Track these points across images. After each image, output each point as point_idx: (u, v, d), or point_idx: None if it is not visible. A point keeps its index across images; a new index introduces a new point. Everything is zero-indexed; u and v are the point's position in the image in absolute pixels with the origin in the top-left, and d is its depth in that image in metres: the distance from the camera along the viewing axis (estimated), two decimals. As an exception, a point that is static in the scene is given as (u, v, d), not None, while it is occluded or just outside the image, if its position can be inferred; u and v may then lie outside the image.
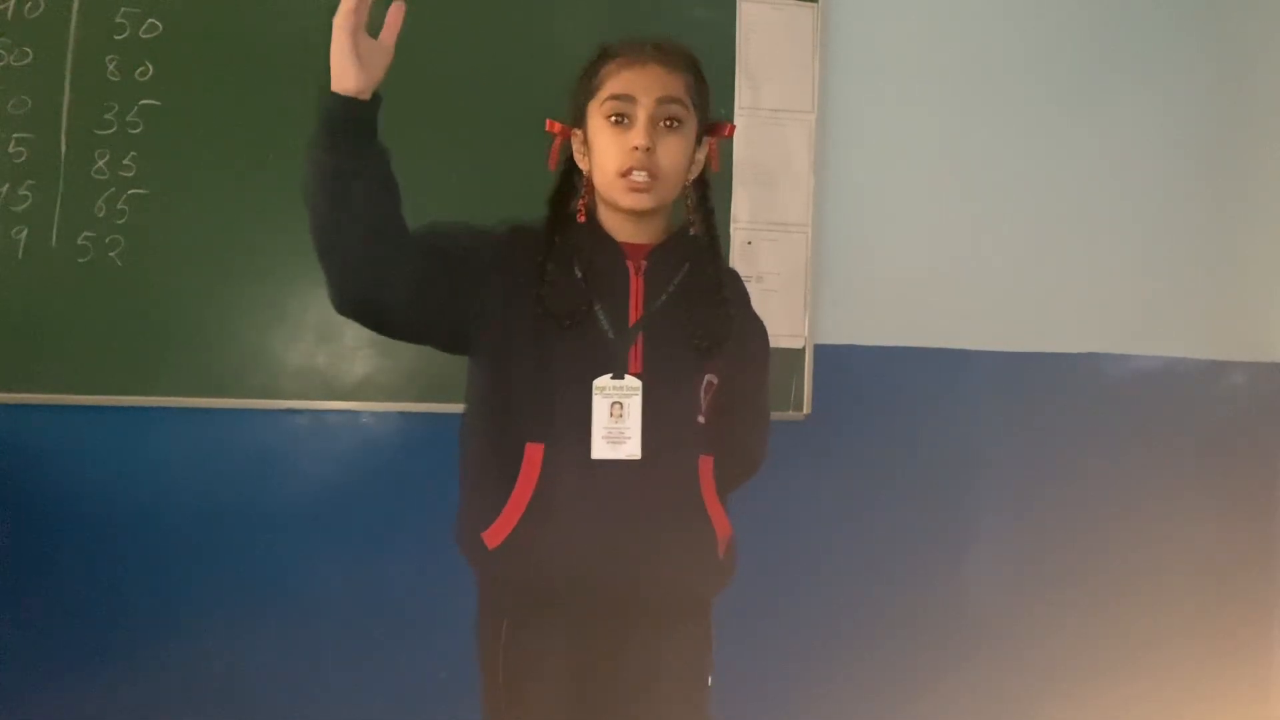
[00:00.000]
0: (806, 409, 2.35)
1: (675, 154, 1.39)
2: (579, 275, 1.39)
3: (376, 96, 1.30)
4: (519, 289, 1.38)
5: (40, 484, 2.07)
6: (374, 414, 2.20)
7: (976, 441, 2.52)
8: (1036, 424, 2.55)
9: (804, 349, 2.35)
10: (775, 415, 2.27)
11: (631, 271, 1.42)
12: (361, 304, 1.36)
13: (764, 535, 2.28)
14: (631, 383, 1.37)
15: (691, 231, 1.47)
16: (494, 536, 1.37)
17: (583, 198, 1.43)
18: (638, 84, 1.38)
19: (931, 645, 2.49)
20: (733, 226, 2.32)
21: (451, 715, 1.57)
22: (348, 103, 1.28)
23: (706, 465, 1.41)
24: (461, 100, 2.19)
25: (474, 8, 2.20)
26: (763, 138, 2.33)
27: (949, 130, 2.48)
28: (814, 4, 2.36)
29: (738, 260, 2.31)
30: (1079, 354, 2.57)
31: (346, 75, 1.27)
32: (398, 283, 1.34)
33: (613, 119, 1.38)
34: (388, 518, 2.18)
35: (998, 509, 2.54)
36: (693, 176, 1.45)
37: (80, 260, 2.04)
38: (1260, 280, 2.73)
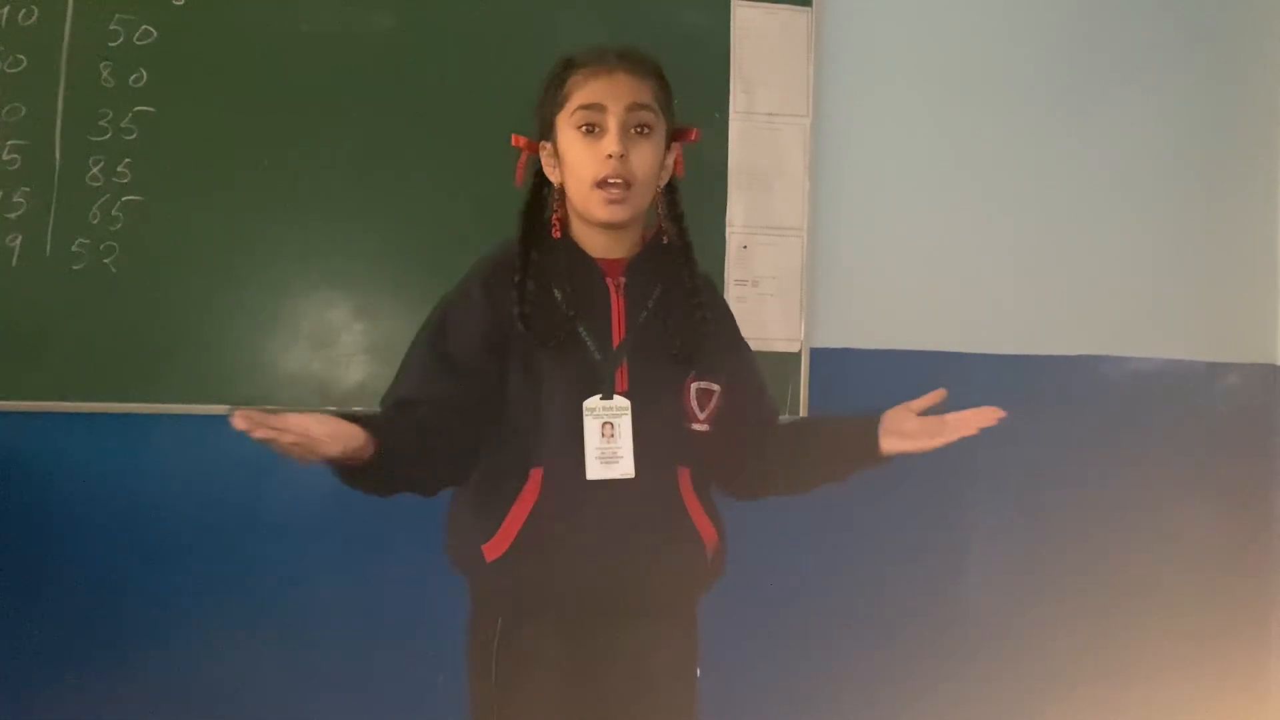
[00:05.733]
0: (802, 413, 2.35)
1: (648, 160, 1.39)
2: (559, 297, 1.39)
3: (378, 449, 1.28)
4: (505, 318, 1.38)
5: (36, 491, 2.07)
6: (370, 419, 2.20)
7: (972, 444, 2.49)
8: (1033, 427, 2.53)
9: (800, 353, 2.35)
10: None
11: (611, 290, 1.42)
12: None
13: (761, 539, 2.28)
14: (620, 403, 1.38)
15: (665, 240, 1.46)
16: (493, 550, 1.38)
17: (556, 212, 1.43)
18: (606, 92, 1.38)
19: (928, 648, 2.48)
20: (728, 230, 2.32)
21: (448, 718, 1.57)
22: (341, 470, 1.30)
23: (685, 475, 1.42)
24: (456, 109, 2.19)
25: (468, 16, 2.20)
26: (758, 142, 2.33)
27: (944, 133, 2.49)
28: (808, 8, 2.36)
29: (733, 265, 2.31)
30: (1075, 356, 2.57)
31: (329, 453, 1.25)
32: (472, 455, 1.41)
33: (583, 129, 1.38)
34: (384, 523, 2.17)
35: (994, 512, 2.54)
36: (663, 183, 1.46)
37: (75, 267, 2.04)
38: (1256, 283, 2.73)
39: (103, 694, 2.07)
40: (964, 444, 2.45)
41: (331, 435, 1.22)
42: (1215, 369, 2.69)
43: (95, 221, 2.04)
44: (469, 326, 1.41)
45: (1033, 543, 2.56)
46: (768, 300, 2.32)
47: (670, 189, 1.48)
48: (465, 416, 1.38)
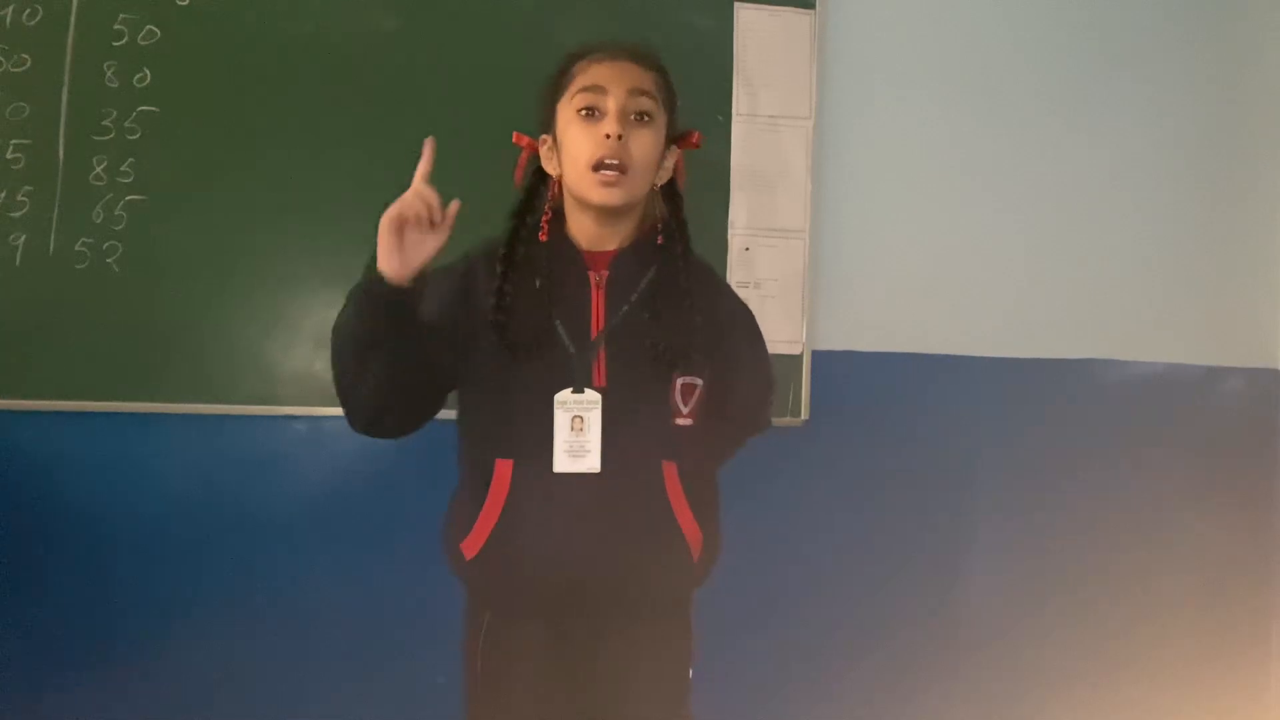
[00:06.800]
0: (804, 415, 2.36)
1: (646, 147, 1.40)
2: (538, 288, 1.40)
3: (419, 282, 1.35)
4: (481, 313, 1.40)
5: (38, 490, 2.07)
6: (372, 420, 2.20)
7: (973, 447, 2.52)
8: (1033, 430, 2.55)
9: (801, 355, 2.36)
10: (773, 421, 2.28)
11: (592, 284, 1.42)
12: (377, 433, 1.47)
13: (761, 540, 2.29)
14: (591, 396, 1.39)
15: (659, 241, 1.46)
16: (470, 547, 1.40)
17: (547, 213, 1.44)
18: (608, 76, 1.39)
19: (928, 650, 2.49)
20: (730, 232, 2.32)
21: (447, 718, 1.57)
22: (385, 285, 1.33)
23: (671, 470, 1.42)
24: (457, 108, 2.18)
25: (471, 18, 2.20)
26: (760, 144, 2.33)
27: (946, 136, 2.49)
28: (811, 10, 2.36)
29: (735, 267, 2.32)
30: (1076, 360, 2.57)
31: (388, 262, 1.32)
32: (408, 411, 1.44)
33: (583, 112, 1.39)
34: (385, 523, 2.18)
35: (994, 515, 2.54)
36: (662, 181, 1.46)
37: (78, 266, 2.04)
38: (1257, 286, 2.73)
39: (102, 693, 2.07)
40: (965, 446, 2.49)
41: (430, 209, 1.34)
42: (1216, 373, 2.69)
43: (98, 221, 2.05)
44: (441, 301, 1.43)
45: (1033, 545, 2.56)
46: (769, 302, 2.33)
47: (672, 192, 1.48)
48: (422, 362, 1.41)
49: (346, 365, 1.39)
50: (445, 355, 1.42)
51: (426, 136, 2.15)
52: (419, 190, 1.34)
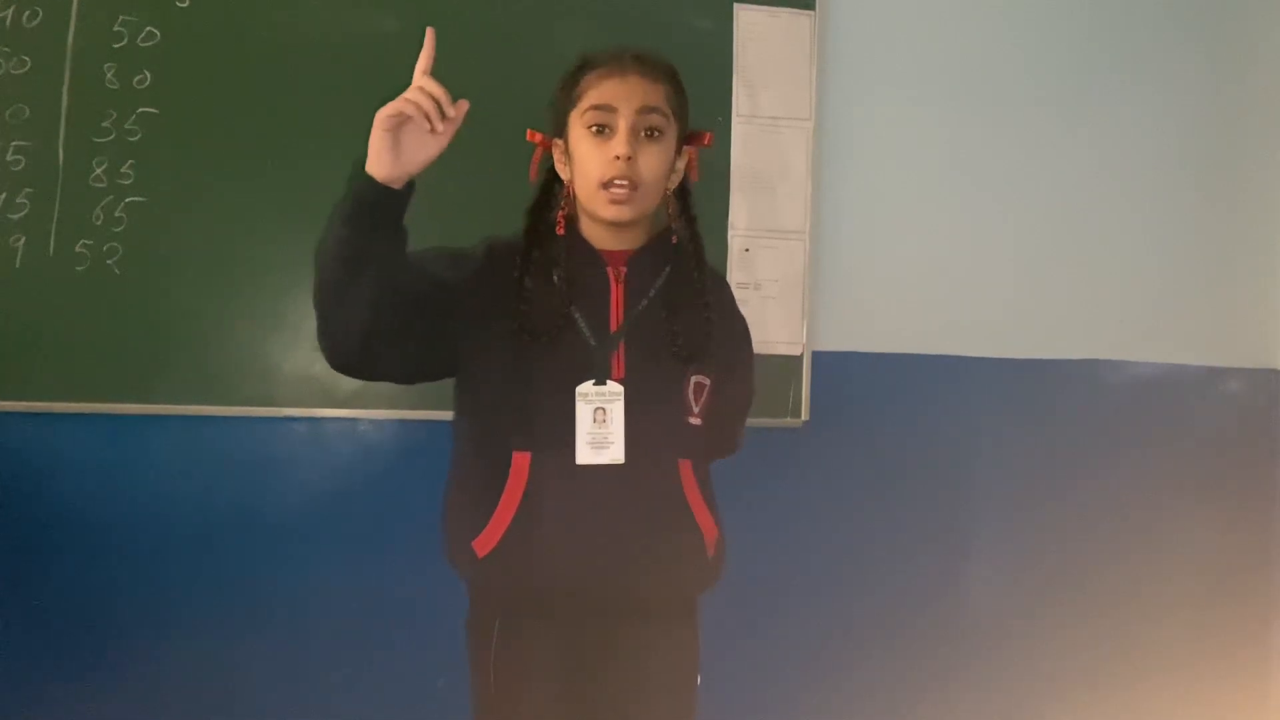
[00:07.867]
0: (804, 416, 2.35)
1: (656, 163, 1.40)
2: (557, 282, 1.40)
3: (410, 186, 1.32)
4: (498, 303, 1.39)
5: (37, 492, 2.07)
6: (372, 421, 2.20)
7: (974, 448, 2.52)
8: (1034, 431, 2.55)
9: (801, 356, 2.35)
10: (774, 422, 2.30)
11: (612, 279, 1.43)
12: (355, 368, 1.42)
13: (761, 541, 2.28)
14: (614, 388, 1.39)
15: (674, 240, 1.47)
16: (484, 544, 1.38)
17: (562, 209, 1.44)
18: (618, 94, 1.39)
19: (928, 652, 2.49)
20: (730, 233, 2.32)
21: (448, 721, 1.58)
22: (375, 187, 1.30)
23: (687, 467, 1.43)
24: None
25: (471, 21, 2.20)
26: (760, 145, 2.34)
27: (946, 137, 2.49)
28: (811, 11, 2.36)
29: (735, 268, 2.32)
30: (1076, 360, 2.57)
31: (380, 163, 1.30)
32: (392, 349, 1.38)
33: (594, 129, 1.39)
34: (385, 524, 2.18)
35: (995, 515, 2.54)
36: (673, 186, 1.47)
37: (78, 268, 2.04)
38: (1258, 287, 2.73)
39: (102, 693, 2.07)
40: (965, 447, 2.49)
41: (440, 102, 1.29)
42: (1216, 374, 2.69)
43: (98, 223, 2.05)
44: (442, 283, 1.41)
45: (1033, 546, 2.56)
46: (770, 303, 2.32)
47: (682, 192, 1.49)
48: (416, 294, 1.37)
49: (330, 281, 1.31)
50: (447, 317, 1.40)
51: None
52: (423, 85, 1.29)
